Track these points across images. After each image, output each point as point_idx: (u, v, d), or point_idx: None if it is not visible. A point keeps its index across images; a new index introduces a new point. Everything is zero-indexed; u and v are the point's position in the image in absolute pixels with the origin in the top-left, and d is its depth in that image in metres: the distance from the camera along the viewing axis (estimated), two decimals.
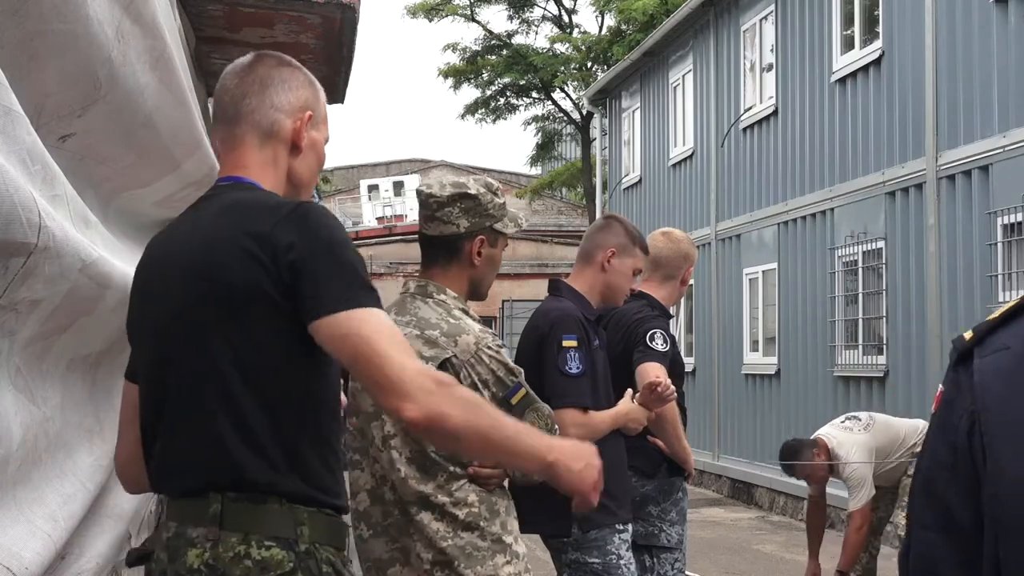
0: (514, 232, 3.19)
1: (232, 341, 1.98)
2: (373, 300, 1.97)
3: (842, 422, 7.08)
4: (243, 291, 1.96)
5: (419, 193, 3.14)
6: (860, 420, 7.02)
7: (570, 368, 3.64)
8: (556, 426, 3.13)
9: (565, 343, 3.66)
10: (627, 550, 3.78)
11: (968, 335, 1.49)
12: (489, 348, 2.97)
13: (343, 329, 1.93)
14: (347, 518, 2.21)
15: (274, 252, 1.95)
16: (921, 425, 6.96)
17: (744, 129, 13.61)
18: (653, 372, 4.12)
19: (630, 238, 4.03)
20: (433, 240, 3.08)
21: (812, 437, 7.09)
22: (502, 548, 2.96)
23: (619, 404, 3.77)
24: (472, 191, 3.08)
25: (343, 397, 3.10)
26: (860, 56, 10.97)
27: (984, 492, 1.39)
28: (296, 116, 2.16)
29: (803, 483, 7.47)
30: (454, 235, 3.05)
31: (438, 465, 2.94)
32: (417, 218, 3.20)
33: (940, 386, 1.50)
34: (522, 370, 3.05)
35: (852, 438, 6.80)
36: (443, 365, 2.92)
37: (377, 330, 1.94)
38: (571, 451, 2.11)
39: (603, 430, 3.65)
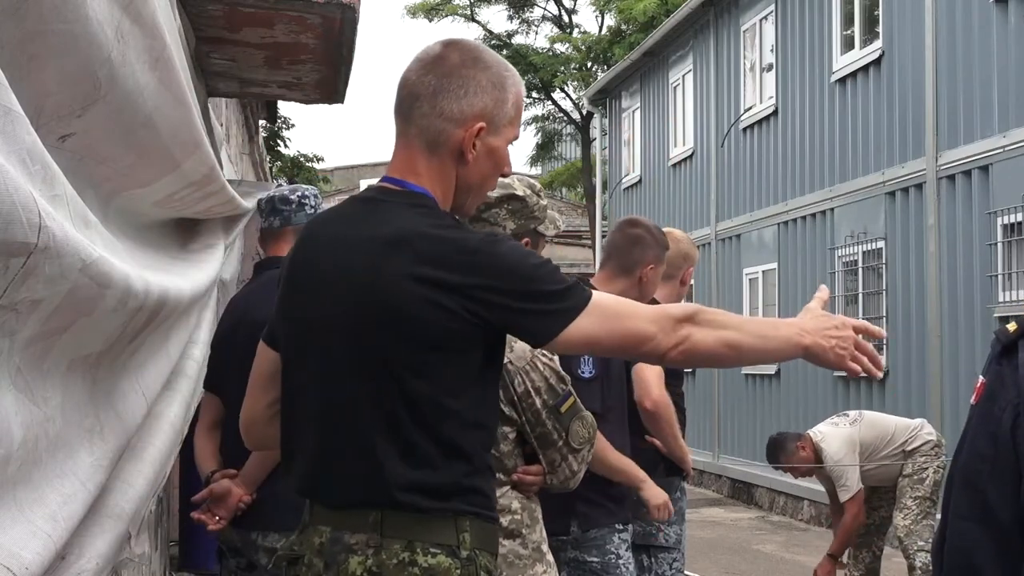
0: (554, 234, 3.17)
1: (402, 372, 1.98)
2: (582, 294, 2.00)
3: (832, 419, 7.25)
4: (421, 333, 1.97)
5: None
6: (848, 416, 7.20)
7: (582, 372, 3.64)
8: (597, 435, 3.15)
9: None
10: (626, 550, 3.78)
11: (1012, 327, 1.48)
12: (544, 355, 2.96)
13: (583, 336, 1.99)
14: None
15: (463, 299, 1.96)
16: (914, 424, 7.06)
17: (744, 129, 13.62)
18: (649, 372, 4.13)
19: (661, 246, 3.97)
20: None
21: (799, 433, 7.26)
22: (540, 556, 2.96)
23: (642, 475, 3.74)
24: (519, 192, 3.06)
25: None
26: (860, 56, 10.97)
27: None
28: (467, 126, 2.06)
29: (798, 482, 7.52)
30: None
31: None
32: None
33: (981, 377, 1.49)
34: (570, 378, 3.05)
35: (836, 431, 6.96)
36: None
37: (608, 318, 2.01)
38: (819, 327, 2.07)
39: (607, 461, 3.60)
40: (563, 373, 3.01)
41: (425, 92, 2.07)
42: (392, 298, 1.97)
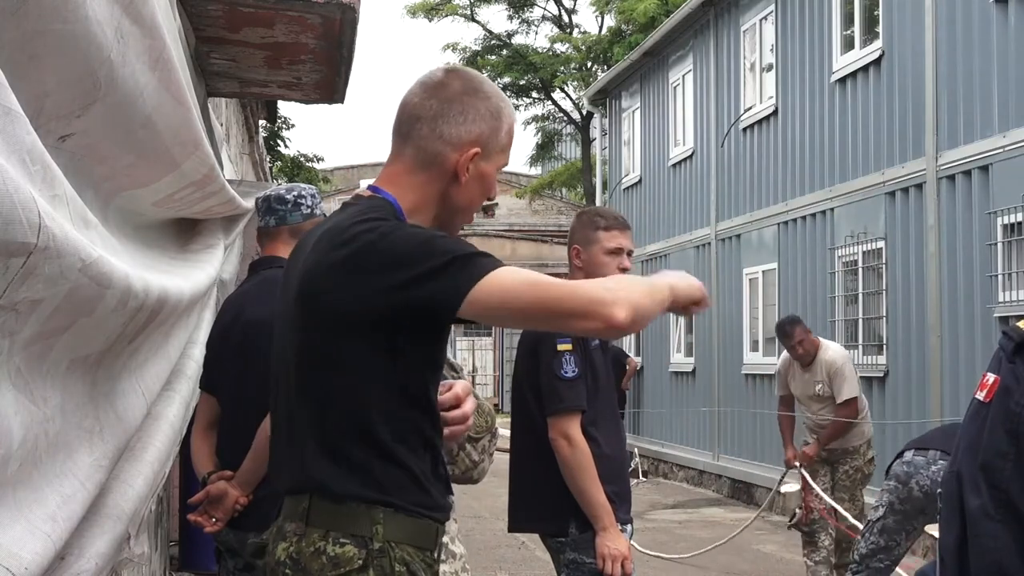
0: None
1: (320, 360, 2.07)
2: (487, 263, 1.99)
3: None
4: (332, 320, 2.04)
5: None
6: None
7: (565, 372, 3.64)
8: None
9: (559, 347, 3.65)
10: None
11: (1023, 324, 1.49)
12: None
13: (492, 301, 1.97)
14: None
15: (367, 285, 2.00)
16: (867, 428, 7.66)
17: (744, 129, 13.61)
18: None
19: (590, 226, 3.86)
20: None
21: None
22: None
23: (608, 521, 3.64)
24: None
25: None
26: (860, 56, 10.97)
27: None
28: (463, 151, 2.16)
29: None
30: None
31: None
32: None
33: (991, 375, 1.49)
34: (467, 368, 3.05)
35: (836, 345, 8.00)
36: None
37: (520, 283, 1.98)
38: (676, 281, 2.18)
39: (583, 487, 3.60)
40: (453, 360, 3.01)
41: (426, 115, 2.17)
42: (309, 286, 2.08)
